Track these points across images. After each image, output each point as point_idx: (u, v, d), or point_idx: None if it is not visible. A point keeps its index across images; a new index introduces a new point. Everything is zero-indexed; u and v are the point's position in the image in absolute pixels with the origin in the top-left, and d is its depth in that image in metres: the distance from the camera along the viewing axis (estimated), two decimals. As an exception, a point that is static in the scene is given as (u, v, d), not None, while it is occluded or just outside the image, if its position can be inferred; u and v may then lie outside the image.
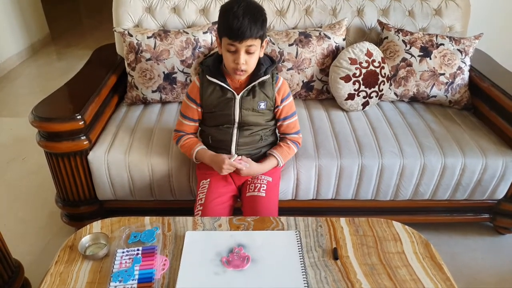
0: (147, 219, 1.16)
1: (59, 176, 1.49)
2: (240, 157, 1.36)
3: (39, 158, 1.45)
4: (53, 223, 1.77)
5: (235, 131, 1.37)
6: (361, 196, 1.61)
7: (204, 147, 1.40)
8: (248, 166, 1.35)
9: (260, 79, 1.31)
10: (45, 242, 1.69)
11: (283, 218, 1.18)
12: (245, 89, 1.31)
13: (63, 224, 1.66)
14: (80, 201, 1.56)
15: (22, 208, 1.88)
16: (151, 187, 1.53)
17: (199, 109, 1.38)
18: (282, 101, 1.37)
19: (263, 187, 1.38)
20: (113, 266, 0.98)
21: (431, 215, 1.73)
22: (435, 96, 1.82)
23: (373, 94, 1.78)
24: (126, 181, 1.51)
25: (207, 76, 1.31)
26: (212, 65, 1.32)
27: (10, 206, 1.90)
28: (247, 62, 1.23)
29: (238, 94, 1.32)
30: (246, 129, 1.37)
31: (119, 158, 1.49)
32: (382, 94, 1.81)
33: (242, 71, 1.24)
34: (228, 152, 1.38)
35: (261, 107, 1.35)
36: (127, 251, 1.03)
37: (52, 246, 1.66)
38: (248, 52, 1.21)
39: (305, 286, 0.96)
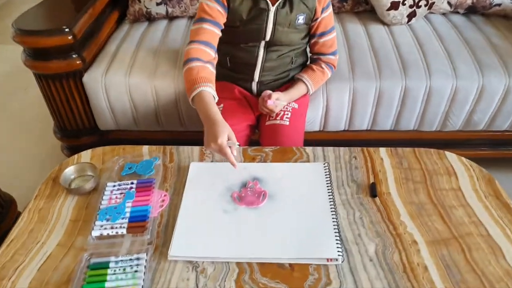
0: (145, 147, 0.98)
1: (52, 102, 1.32)
2: (274, 97, 1.10)
3: (42, 87, 1.33)
4: (54, 156, 1.65)
5: (261, 52, 1.12)
6: (401, 126, 1.38)
7: (214, 94, 0.97)
8: (279, 104, 1.12)
9: None
10: (45, 176, 1.57)
11: (308, 149, 0.98)
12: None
13: (65, 158, 1.51)
14: (79, 131, 1.40)
15: (23, 141, 1.77)
16: (156, 114, 1.34)
17: (223, 13, 1.06)
18: (322, 12, 1.10)
19: (287, 114, 1.16)
20: (101, 202, 0.82)
21: (483, 149, 1.47)
22: (499, 5, 1.49)
23: (422, 3, 1.46)
24: (128, 107, 1.32)
25: None
26: None
27: (11, 138, 1.80)
28: None
29: (273, 5, 1.05)
30: (274, 50, 1.12)
31: (119, 81, 1.29)
32: (433, 3, 1.48)
33: None
34: (250, 78, 1.16)
35: (299, 21, 1.08)
36: (119, 185, 0.86)
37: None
38: None
39: (334, 229, 0.77)
